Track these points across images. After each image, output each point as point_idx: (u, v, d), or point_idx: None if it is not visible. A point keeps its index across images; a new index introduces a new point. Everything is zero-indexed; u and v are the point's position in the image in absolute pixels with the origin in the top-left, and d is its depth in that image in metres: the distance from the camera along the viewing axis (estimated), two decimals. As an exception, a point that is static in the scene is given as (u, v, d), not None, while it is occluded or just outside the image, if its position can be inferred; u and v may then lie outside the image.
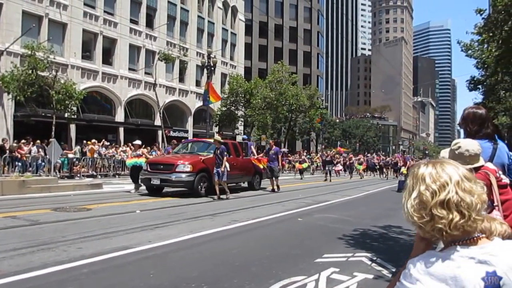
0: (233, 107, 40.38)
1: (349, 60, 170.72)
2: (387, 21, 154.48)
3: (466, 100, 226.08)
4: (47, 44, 25.17)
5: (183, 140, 21.16)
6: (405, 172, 21.10)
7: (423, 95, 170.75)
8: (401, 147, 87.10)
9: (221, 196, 13.16)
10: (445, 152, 2.99)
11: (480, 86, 20.36)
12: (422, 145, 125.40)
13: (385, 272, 5.25)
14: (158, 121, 34.72)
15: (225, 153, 13.36)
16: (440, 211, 1.26)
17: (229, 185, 15.80)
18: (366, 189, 20.93)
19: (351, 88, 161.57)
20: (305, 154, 38.42)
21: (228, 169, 13.18)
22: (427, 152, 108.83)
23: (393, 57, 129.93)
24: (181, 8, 40.37)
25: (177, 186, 13.85)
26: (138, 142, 15.46)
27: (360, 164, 34.46)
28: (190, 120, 41.17)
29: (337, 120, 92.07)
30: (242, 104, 40.58)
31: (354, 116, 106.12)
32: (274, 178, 16.61)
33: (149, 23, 36.66)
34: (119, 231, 7.32)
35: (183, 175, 13.24)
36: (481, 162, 2.85)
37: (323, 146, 52.30)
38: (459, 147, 2.83)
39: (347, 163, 34.05)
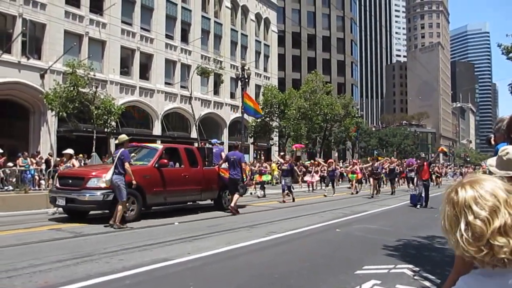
0: (267, 118, 40.47)
1: (384, 67, 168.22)
2: (422, 26, 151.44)
3: (509, 104, 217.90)
4: (87, 61, 26.09)
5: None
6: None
7: (463, 101, 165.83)
8: (422, 154, 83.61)
9: (112, 223, 9.13)
10: (492, 160, 2.88)
11: (523, 90, 19.56)
12: (463, 152, 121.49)
13: (428, 284, 5.09)
14: (194, 134, 35.19)
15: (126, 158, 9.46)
16: (500, 240, 1.10)
17: (189, 203, 13.27)
18: (403, 198, 20.36)
19: (386, 96, 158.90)
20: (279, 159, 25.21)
21: (123, 184, 9.28)
22: (468, 159, 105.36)
23: (430, 62, 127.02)
24: (215, 21, 41.03)
25: (88, 208, 10.30)
26: (69, 151, 12.61)
27: (354, 173, 23.86)
28: (226, 132, 41.52)
29: (373, 129, 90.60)
30: (276, 115, 40.60)
31: (391, 124, 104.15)
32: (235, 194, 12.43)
33: (184, 38, 37.40)
34: (158, 243, 7.43)
35: (98, 193, 9.66)
36: None
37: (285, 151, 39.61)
38: (507, 153, 2.71)
39: (325, 172, 23.72)
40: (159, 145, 11.95)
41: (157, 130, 34.36)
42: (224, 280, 5.22)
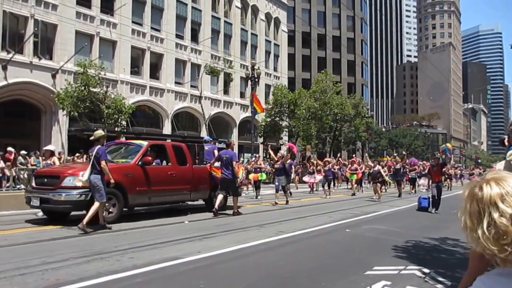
0: (277, 118, 40.47)
1: (394, 67, 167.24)
2: (433, 26, 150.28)
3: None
4: (98, 61, 26.28)
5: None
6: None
7: (474, 102, 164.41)
8: (437, 153, 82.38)
9: (84, 228, 8.12)
10: (500, 165, 2.86)
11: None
12: (474, 153, 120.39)
13: (439, 286, 5.04)
14: (204, 133, 35.27)
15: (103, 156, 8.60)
16: None
17: (174, 205, 12.57)
18: (412, 200, 20.16)
19: (397, 96, 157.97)
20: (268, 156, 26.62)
21: (101, 183, 8.48)
22: (479, 161, 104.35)
23: (441, 63, 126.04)
24: (225, 21, 41.11)
25: (64, 209, 9.46)
26: (50, 147, 12.08)
27: (354, 172, 22.81)
28: (235, 131, 41.57)
29: (383, 129, 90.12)
30: (286, 114, 40.58)
31: (401, 125, 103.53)
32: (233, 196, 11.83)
33: (194, 38, 37.51)
34: (169, 241, 7.46)
35: (74, 192, 8.95)
36: None
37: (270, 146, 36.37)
38: None
39: (321, 170, 22.35)
40: (144, 142, 11.35)
41: (167, 129, 34.50)
42: (233, 280, 5.23)
